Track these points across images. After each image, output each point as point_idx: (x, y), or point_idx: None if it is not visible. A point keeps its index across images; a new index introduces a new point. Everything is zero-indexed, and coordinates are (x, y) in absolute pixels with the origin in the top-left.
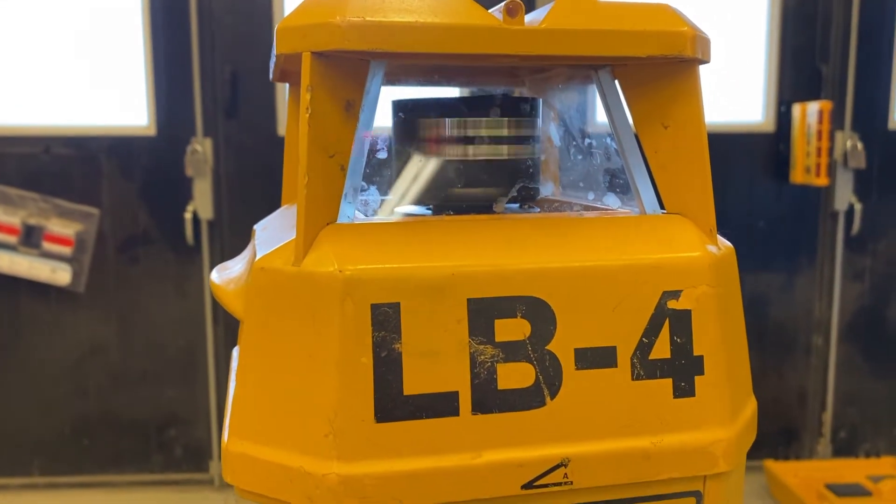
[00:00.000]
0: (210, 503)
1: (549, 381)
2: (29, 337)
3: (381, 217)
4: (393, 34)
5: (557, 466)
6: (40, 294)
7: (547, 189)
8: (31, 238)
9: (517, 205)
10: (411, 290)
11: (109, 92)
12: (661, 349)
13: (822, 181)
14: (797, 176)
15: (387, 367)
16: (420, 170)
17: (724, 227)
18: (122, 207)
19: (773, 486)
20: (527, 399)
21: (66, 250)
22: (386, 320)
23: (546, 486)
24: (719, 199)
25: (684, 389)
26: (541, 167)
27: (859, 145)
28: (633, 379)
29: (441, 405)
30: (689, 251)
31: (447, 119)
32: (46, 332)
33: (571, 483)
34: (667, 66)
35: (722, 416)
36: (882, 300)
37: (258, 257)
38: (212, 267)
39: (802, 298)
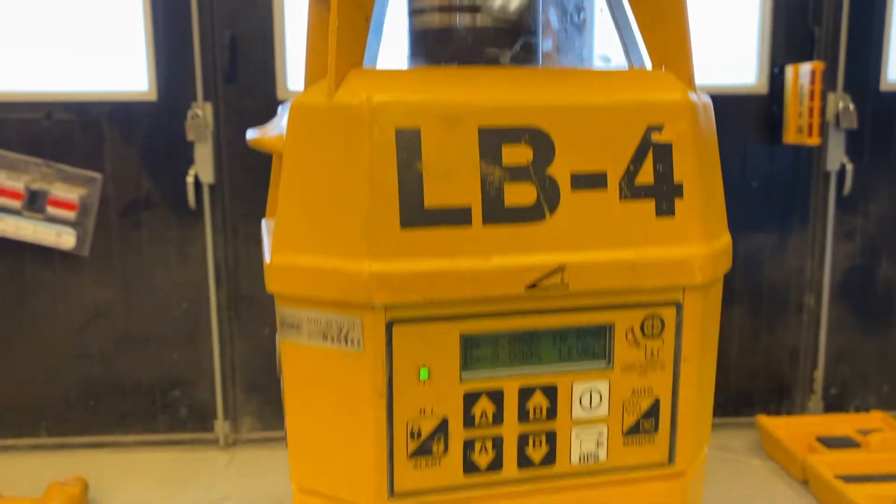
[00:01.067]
0: (215, 462)
1: (549, 199)
2: (35, 300)
3: (399, 67)
4: None
5: (556, 271)
6: (45, 258)
7: (547, 44)
8: (35, 203)
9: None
10: (430, 119)
11: (110, 57)
12: (646, 175)
13: (815, 141)
14: (790, 136)
15: (409, 183)
16: (430, 32)
17: (724, 189)
18: (124, 172)
19: (765, 440)
20: (529, 214)
21: (70, 215)
22: (408, 144)
23: (546, 287)
24: None
25: (665, 209)
26: (542, 27)
27: (851, 106)
28: (620, 199)
29: (456, 216)
30: (671, 94)
31: None
32: (52, 296)
33: (567, 286)
34: None
35: (698, 235)
36: (873, 260)
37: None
38: (214, 231)
39: (794, 258)
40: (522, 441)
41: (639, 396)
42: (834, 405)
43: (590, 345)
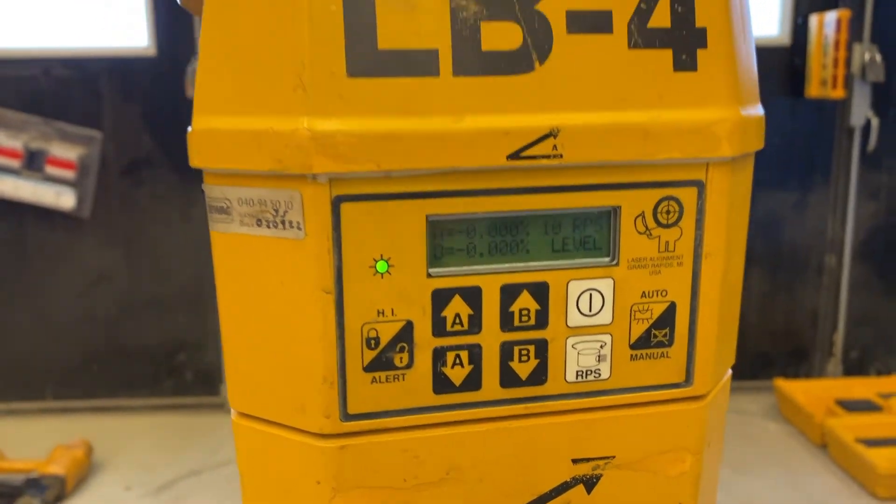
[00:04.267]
0: (221, 426)
1: (538, 44)
2: (36, 263)
3: None
4: None
5: (546, 136)
6: (45, 219)
7: None
8: (33, 162)
9: None
10: None
11: (109, 13)
12: (661, 17)
13: (839, 93)
14: (813, 89)
15: (359, 16)
16: None
17: None
18: (124, 130)
19: (783, 403)
20: (513, 63)
21: (69, 174)
22: None
23: (534, 157)
24: None
25: (685, 62)
26: None
27: (878, 57)
28: (629, 47)
29: (419, 63)
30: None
31: None
32: (53, 259)
33: (562, 156)
34: None
35: (727, 96)
36: None
37: None
38: None
39: (816, 217)
40: (506, 353)
41: (650, 300)
42: (854, 368)
43: (590, 234)
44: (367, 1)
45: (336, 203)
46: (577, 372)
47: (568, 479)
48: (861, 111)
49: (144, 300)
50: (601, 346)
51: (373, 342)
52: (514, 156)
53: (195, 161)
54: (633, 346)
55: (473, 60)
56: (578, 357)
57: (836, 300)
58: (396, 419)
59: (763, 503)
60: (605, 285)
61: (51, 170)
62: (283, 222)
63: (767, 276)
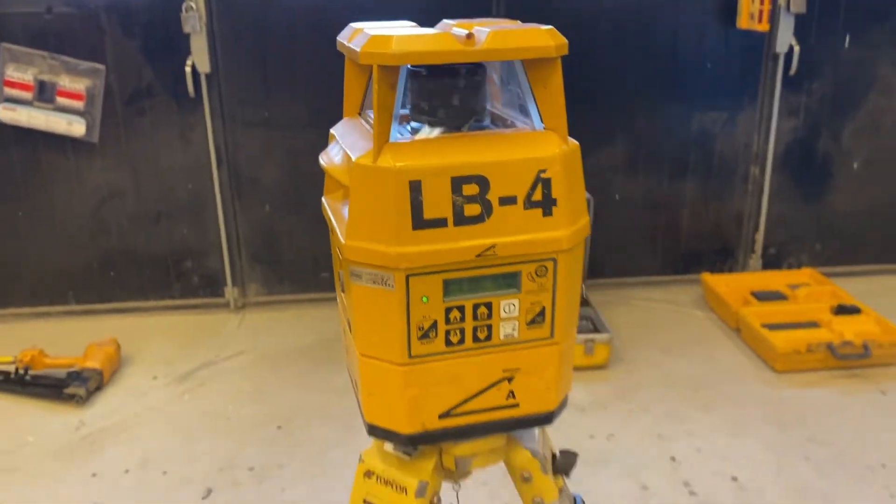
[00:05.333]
0: (227, 322)
1: (487, 211)
2: (52, 185)
3: (407, 137)
4: (411, 57)
5: (490, 247)
6: (58, 146)
7: (489, 104)
8: (44, 93)
9: (479, 124)
10: (426, 175)
11: None
12: (537, 195)
13: (764, 27)
14: (742, 22)
15: (416, 206)
16: (423, 115)
17: (677, 69)
18: (125, 63)
19: (708, 294)
20: (477, 219)
21: (78, 104)
22: (415, 187)
23: (485, 255)
24: (672, 44)
25: (547, 212)
26: (488, 94)
27: None
28: (524, 209)
29: (440, 222)
30: (552, 149)
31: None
32: (68, 179)
33: (496, 254)
34: (545, 61)
35: (566, 224)
36: (813, 134)
37: (354, 158)
38: (213, 117)
39: (743, 133)
40: (474, 329)
41: (535, 306)
42: (771, 263)
43: (509, 281)
44: (418, 200)
45: (407, 277)
46: (504, 335)
47: (500, 378)
48: (785, 39)
49: (152, 214)
50: (514, 325)
51: (421, 328)
52: (479, 255)
53: (347, 256)
54: (528, 324)
55: (461, 219)
56: (504, 329)
57: (758, 205)
58: (430, 357)
59: (685, 377)
60: (516, 301)
61: (62, 100)
62: (385, 283)
63: (699, 185)
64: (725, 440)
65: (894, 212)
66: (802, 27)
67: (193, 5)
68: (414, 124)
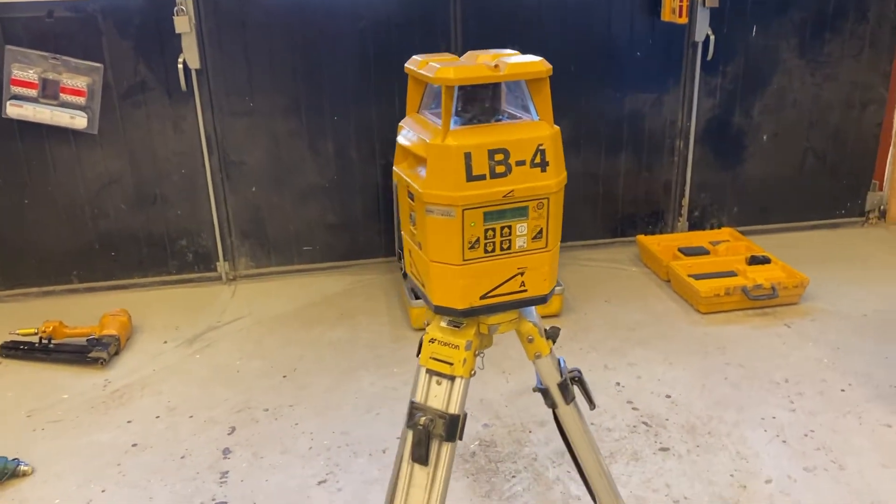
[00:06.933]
0: (221, 293)
1: (509, 170)
2: (57, 173)
3: (459, 126)
4: (463, 80)
5: (510, 192)
6: (62, 137)
7: (504, 105)
8: (48, 90)
9: (499, 117)
10: (473, 149)
11: None
12: (537, 159)
13: (683, 20)
14: (666, 15)
15: (468, 167)
16: (465, 113)
17: (611, 57)
18: (122, 61)
19: (642, 253)
20: (503, 175)
21: (80, 100)
22: (467, 157)
23: (508, 196)
24: (607, 35)
25: (544, 170)
26: (504, 99)
27: None
28: (530, 168)
29: (482, 176)
30: (545, 132)
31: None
32: (70, 168)
33: (514, 195)
34: (540, 79)
35: (555, 176)
36: (728, 111)
37: (428, 140)
38: (203, 108)
39: (669, 111)
40: (501, 243)
41: (536, 227)
42: (696, 225)
43: (521, 212)
44: (470, 164)
45: (462, 210)
46: (518, 245)
47: (515, 273)
48: (703, 29)
49: (148, 197)
50: (525, 239)
51: (470, 242)
52: (504, 196)
53: (427, 199)
54: (532, 238)
55: (493, 174)
56: (517, 241)
57: (683, 174)
58: (475, 260)
59: (625, 321)
60: (525, 224)
61: (65, 97)
62: (449, 214)
63: (633, 158)
64: (660, 368)
65: (797, 178)
66: (717, 19)
67: (184, 8)
68: (461, 118)
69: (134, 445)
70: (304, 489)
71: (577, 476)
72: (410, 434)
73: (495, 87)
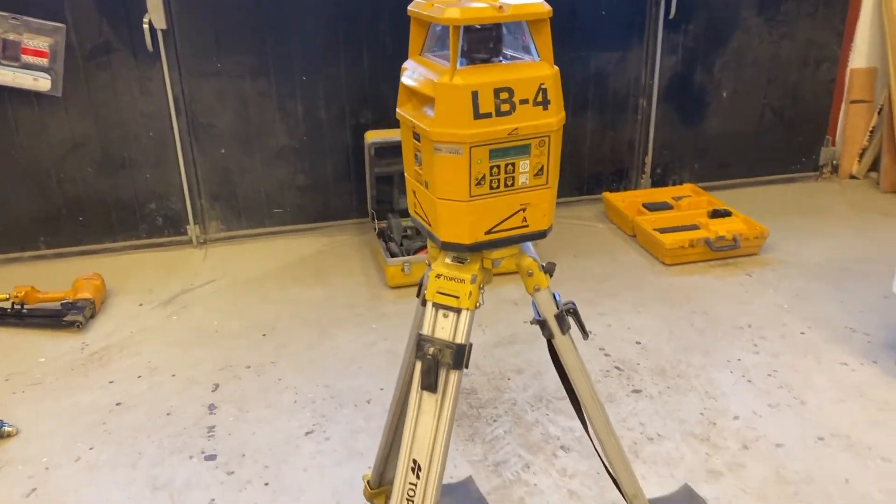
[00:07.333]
0: (192, 257)
1: (513, 108)
2: (21, 137)
3: (466, 66)
4: (469, 20)
5: (514, 130)
6: (25, 100)
7: (506, 49)
8: (8, 51)
9: (499, 59)
10: (480, 87)
11: None
12: (539, 98)
13: None
14: None
15: (475, 105)
16: (469, 53)
17: (576, 17)
18: (85, 21)
19: (608, 209)
20: (507, 112)
21: (42, 61)
22: (474, 95)
23: (511, 133)
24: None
25: (546, 108)
26: (504, 40)
27: None
28: (533, 106)
29: (488, 113)
30: (546, 72)
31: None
32: (35, 132)
33: (518, 133)
34: (541, 20)
35: (556, 114)
36: (690, 68)
37: (436, 79)
38: (170, 69)
39: (633, 70)
40: (505, 179)
41: (538, 164)
42: (658, 181)
43: (524, 150)
44: (477, 101)
45: (470, 148)
46: (520, 182)
47: (518, 209)
48: None
49: (115, 161)
50: (527, 176)
51: (476, 178)
52: (509, 134)
53: (434, 137)
54: (534, 175)
55: (499, 112)
56: (520, 178)
57: (647, 132)
58: (481, 196)
59: (594, 274)
60: (528, 161)
61: (27, 58)
62: (457, 152)
63: (598, 117)
64: (629, 317)
65: (755, 135)
66: None
67: None
68: (465, 59)
69: (118, 405)
70: (292, 440)
71: (556, 418)
72: (419, 364)
73: (497, 28)
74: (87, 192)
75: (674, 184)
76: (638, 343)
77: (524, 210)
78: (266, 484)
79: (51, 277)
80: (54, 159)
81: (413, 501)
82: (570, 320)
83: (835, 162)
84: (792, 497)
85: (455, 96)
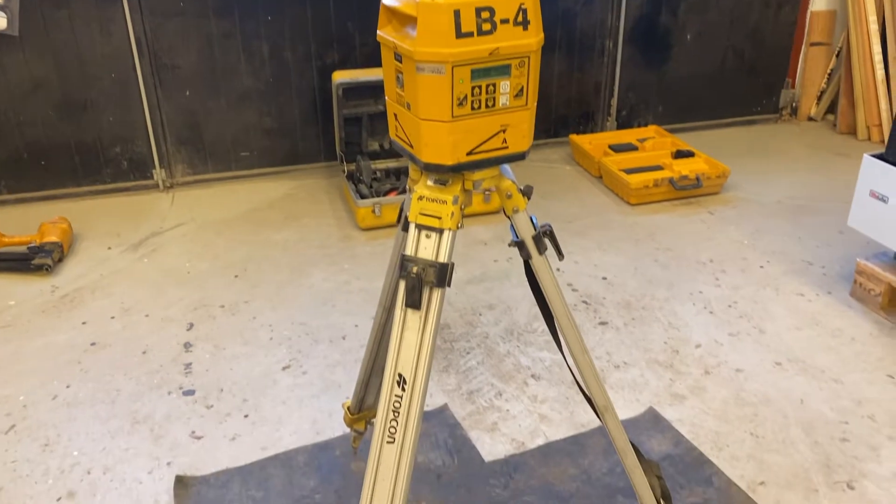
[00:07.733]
0: (159, 201)
1: (493, 27)
2: None
3: None
4: None
5: (496, 50)
6: None
7: None
8: None
9: None
10: (461, 6)
11: None
12: (520, 18)
13: None
14: None
15: (457, 24)
16: None
17: None
18: None
19: (575, 152)
20: (489, 42)
21: None
22: (456, 14)
23: (493, 53)
24: None
25: (525, 28)
26: None
27: None
28: (513, 26)
29: (470, 33)
30: (535, 38)
31: None
32: None
33: (500, 53)
34: None
35: (535, 37)
36: (655, 10)
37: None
38: (131, 9)
39: (599, 11)
40: (486, 100)
41: (518, 85)
42: (624, 124)
43: (505, 70)
44: (459, 18)
45: (452, 67)
46: (501, 103)
47: (498, 130)
48: None
49: (77, 103)
50: (508, 96)
51: (458, 99)
52: (490, 54)
53: (418, 57)
54: (514, 96)
55: (480, 32)
56: (502, 98)
57: (612, 74)
58: (463, 117)
59: (561, 214)
60: (508, 82)
61: None
62: (439, 72)
63: (564, 59)
64: (596, 255)
65: (718, 77)
66: None
67: None
68: None
69: (93, 344)
70: (270, 374)
71: (526, 349)
72: (403, 283)
73: None
74: (49, 136)
75: (639, 126)
76: (604, 278)
77: (504, 131)
78: (245, 416)
79: (15, 222)
80: (13, 101)
81: (399, 412)
82: (547, 242)
83: (794, 104)
84: (751, 417)
85: (437, 15)
